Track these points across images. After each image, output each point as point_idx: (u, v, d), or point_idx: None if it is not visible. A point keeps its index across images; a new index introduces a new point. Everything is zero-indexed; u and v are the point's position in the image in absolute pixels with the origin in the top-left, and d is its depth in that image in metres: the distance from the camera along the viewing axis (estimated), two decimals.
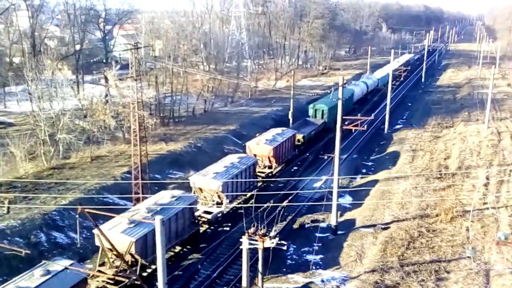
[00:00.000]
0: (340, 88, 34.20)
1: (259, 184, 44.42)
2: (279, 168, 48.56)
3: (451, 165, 47.43)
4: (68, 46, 73.52)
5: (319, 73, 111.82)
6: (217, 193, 37.14)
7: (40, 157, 45.04)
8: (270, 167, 46.68)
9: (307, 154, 54.16)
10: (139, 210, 30.52)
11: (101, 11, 76.79)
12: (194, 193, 37.60)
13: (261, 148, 46.30)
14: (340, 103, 33.85)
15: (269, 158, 46.34)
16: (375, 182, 45.21)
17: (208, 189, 37.27)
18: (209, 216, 35.12)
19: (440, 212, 35.99)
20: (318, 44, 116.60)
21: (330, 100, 59.88)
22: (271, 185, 45.02)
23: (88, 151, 47.47)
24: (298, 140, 53.44)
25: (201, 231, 35.24)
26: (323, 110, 61.03)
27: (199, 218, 35.04)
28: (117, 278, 25.82)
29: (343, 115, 33.15)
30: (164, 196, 33.20)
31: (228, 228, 36.53)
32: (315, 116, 61.05)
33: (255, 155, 45.62)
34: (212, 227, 36.49)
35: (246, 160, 42.10)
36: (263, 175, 45.17)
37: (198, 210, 35.49)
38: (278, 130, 51.57)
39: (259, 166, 45.80)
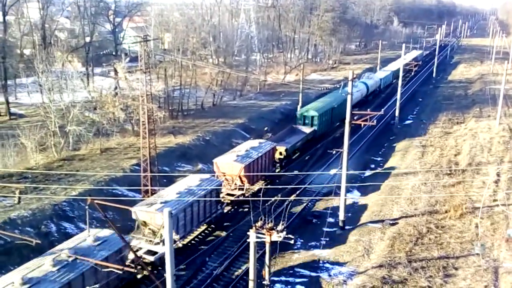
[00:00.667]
0: (350, 83, 34.04)
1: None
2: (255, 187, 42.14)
3: (461, 161, 47.14)
4: (78, 38, 73.76)
5: (329, 67, 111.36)
6: (239, 176, 38.25)
7: (50, 148, 45.33)
8: (241, 189, 39.19)
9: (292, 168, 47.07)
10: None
11: (111, 3, 76.84)
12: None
13: (231, 166, 39.15)
14: (349, 97, 33.68)
15: (240, 177, 39.04)
16: (383, 177, 45.04)
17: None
18: (152, 258, 29.26)
19: (449, 208, 35.82)
20: (328, 38, 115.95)
21: (322, 105, 57.27)
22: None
23: (98, 143, 47.71)
24: (280, 153, 46.42)
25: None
26: (313, 117, 55.00)
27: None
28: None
29: (338, 120, 33.37)
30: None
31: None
32: (304, 123, 55.13)
33: (224, 174, 39.26)
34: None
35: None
36: (232, 198, 38.67)
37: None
38: (255, 142, 44.39)
39: (228, 187, 38.94)
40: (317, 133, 55.06)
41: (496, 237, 31.73)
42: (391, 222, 34.82)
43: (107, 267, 23.45)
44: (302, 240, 34.19)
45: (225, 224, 36.59)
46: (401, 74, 69.81)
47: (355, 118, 35.71)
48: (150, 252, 29.50)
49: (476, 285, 26.54)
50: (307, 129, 53.59)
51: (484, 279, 27.03)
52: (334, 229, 35.58)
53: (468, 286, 26.63)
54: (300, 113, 56.03)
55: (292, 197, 39.37)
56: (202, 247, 32.97)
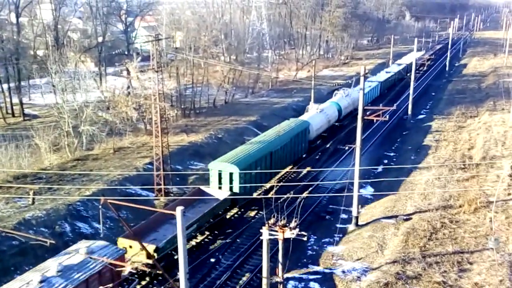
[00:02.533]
0: (362, 78, 33.87)
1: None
2: None
3: (475, 155, 46.68)
4: (91, 39, 74.42)
5: (340, 63, 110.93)
6: None
7: (64, 148, 45.81)
8: None
9: None
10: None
11: (122, 3, 77.45)
12: None
13: None
14: (361, 94, 33.51)
15: None
16: (397, 172, 44.77)
17: None
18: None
19: (463, 203, 35.50)
20: (339, 34, 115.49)
21: (248, 154, 38.18)
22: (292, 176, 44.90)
23: (111, 143, 48.06)
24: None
25: None
26: (231, 174, 35.76)
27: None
28: None
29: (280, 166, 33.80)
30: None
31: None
32: (220, 182, 36.42)
33: None
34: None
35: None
36: None
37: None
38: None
39: None
40: (238, 200, 36.47)
41: (511, 231, 31.38)
42: (404, 217, 34.61)
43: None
44: (315, 237, 34.14)
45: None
46: (413, 67, 69.12)
47: (368, 113, 35.52)
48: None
49: (491, 280, 26.30)
50: (220, 193, 35.57)
51: (499, 274, 26.77)
52: (347, 225, 35.48)
53: (483, 280, 26.39)
54: (214, 168, 36.49)
55: (305, 194, 39.33)
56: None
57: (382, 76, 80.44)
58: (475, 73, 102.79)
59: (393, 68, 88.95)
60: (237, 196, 36.09)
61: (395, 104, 51.05)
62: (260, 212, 37.15)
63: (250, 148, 39.70)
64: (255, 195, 39.22)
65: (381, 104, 53.55)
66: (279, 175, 43.97)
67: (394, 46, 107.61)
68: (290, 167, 46.09)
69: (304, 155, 48.41)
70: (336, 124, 57.92)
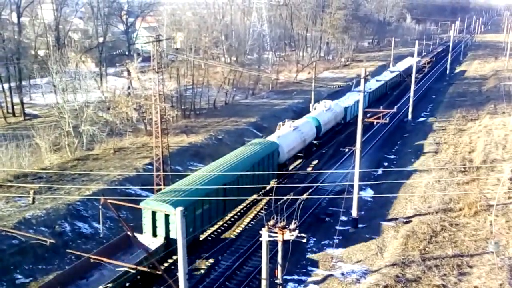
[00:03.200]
0: (362, 80, 33.88)
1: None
2: None
3: (475, 159, 46.66)
4: (92, 39, 74.48)
5: (341, 65, 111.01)
6: None
7: (64, 148, 45.82)
8: None
9: None
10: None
11: (123, 4, 77.53)
12: None
13: None
14: (361, 95, 33.50)
15: None
16: (397, 175, 44.77)
17: None
18: None
19: (463, 206, 35.45)
20: (340, 36, 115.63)
21: (192, 189, 30.86)
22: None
23: (111, 143, 48.08)
24: None
25: None
26: (167, 217, 28.81)
27: None
28: None
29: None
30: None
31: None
32: (154, 226, 29.49)
33: None
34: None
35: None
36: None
37: None
38: None
39: None
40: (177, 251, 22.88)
41: (511, 234, 31.34)
42: (404, 220, 34.59)
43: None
44: (314, 239, 34.12)
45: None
46: (414, 70, 68.98)
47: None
48: None
49: (491, 283, 26.26)
50: (154, 242, 29.04)
51: (499, 277, 26.72)
52: (347, 227, 35.45)
53: (483, 284, 26.35)
54: (146, 207, 29.49)
55: (305, 196, 39.31)
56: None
57: (373, 84, 71.72)
58: (476, 76, 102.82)
59: (385, 76, 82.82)
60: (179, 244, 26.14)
61: (395, 107, 50.74)
62: (260, 213, 37.15)
63: (197, 180, 32.39)
64: (203, 237, 33.10)
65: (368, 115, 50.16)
66: (238, 209, 37.29)
67: (395, 49, 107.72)
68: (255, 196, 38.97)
69: (274, 181, 42.04)
70: (315, 142, 51.83)
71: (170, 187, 32.15)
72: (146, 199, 30.73)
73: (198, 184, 31.87)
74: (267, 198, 38.58)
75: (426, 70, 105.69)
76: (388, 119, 39.14)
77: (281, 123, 47.83)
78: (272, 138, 43.55)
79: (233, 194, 33.83)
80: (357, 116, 56.23)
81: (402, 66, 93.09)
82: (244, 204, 38.29)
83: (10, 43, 60.29)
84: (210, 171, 34.22)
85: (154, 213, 29.20)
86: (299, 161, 49.06)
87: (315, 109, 55.62)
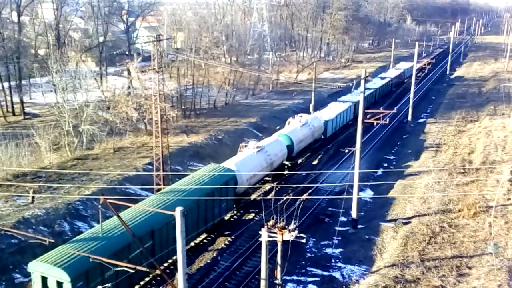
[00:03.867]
0: (363, 81, 33.91)
1: None
2: None
3: (475, 160, 46.70)
4: (92, 38, 74.46)
5: (341, 66, 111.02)
6: None
7: (64, 147, 45.82)
8: None
9: None
10: None
11: (124, 3, 77.46)
12: None
13: None
14: (362, 96, 33.52)
15: None
16: (396, 176, 44.80)
17: None
18: None
19: (463, 207, 35.49)
20: (341, 36, 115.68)
21: (98, 244, 23.83)
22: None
23: (111, 142, 48.07)
24: None
25: None
26: (60, 284, 22.24)
27: None
28: None
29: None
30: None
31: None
32: None
33: None
34: None
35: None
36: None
37: None
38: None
39: None
40: None
41: (510, 236, 31.35)
42: (404, 221, 34.62)
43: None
44: (314, 239, 34.14)
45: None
46: (414, 71, 68.83)
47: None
48: None
49: (490, 285, 26.27)
50: None
51: (498, 279, 26.73)
52: (347, 228, 35.47)
53: (482, 285, 26.36)
54: (34, 271, 23.17)
55: (304, 196, 39.32)
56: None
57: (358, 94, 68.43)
58: (475, 77, 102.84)
59: (375, 83, 76.93)
60: None
61: (395, 108, 50.71)
62: (258, 215, 37.15)
63: (110, 231, 25.14)
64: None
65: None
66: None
67: (395, 50, 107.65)
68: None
69: (231, 213, 36.90)
70: (286, 163, 45.45)
71: (64, 246, 23.91)
72: (35, 261, 23.18)
73: (108, 236, 24.61)
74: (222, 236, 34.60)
75: (426, 72, 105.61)
76: (388, 120, 39.06)
77: (242, 144, 42.24)
78: (229, 163, 37.11)
79: (165, 239, 27.24)
80: (339, 129, 56.73)
81: (393, 73, 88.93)
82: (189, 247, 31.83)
83: (10, 42, 60.26)
84: (135, 214, 27.16)
85: (44, 279, 22.64)
86: (268, 186, 42.45)
87: (288, 124, 49.80)
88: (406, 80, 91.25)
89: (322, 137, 53.18)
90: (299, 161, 48.96)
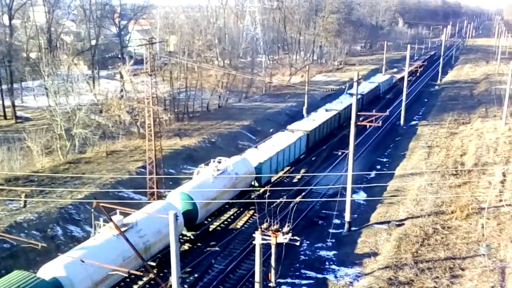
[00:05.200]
0: (355, 84, 34.01)
1: None
2: None
3: (467, 162, 46.94)
4: (84, 41, 74.12)
5: (334, 69, 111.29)
6: None
7: (56, 151, 45.55)
8: None
9: None
10: None
11: (116, 6, 77.28)
12: None
13: None
14: (354, 98, 33.62)
15: None
16: (389, 178, 44.92)
17: None
18: None
19: (455, 209, 35.66)
20: (333, 39, 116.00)
21: None
22: (285, 180, 45.01)
23: (104, 146, 47.88)
24: None
25: None
26: None
27: None
28: None
29: None
30: None
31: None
32: None
33: None
34: None
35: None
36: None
37: None
38: None
39: None
40: None
41: (502, 237, 31.55)
42: (397, 223, 34.71)
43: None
44: (308, 242, 34.14)
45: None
46: (406, 74, 68.90)
47: None
48: None
49: (483, 286, 26.41)
50: None
51: (490, 280, 26.88)
52: (340, 230, 35.51)
53: (475, 286, 26.49)
54: None
55: (298, 199, 39.32)
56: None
57: (317, 117, 55.42)
58: (467, 80, 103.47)
59: (341, 102, 64.76)
60: None
61: (388, 110, 50.79)
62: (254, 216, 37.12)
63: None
64: None
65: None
66: None
67: (387, 52, 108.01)
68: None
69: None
70: (188, 234, 33.28)
71: None
72: None
73: None
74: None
75: (417, 75, 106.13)
76: (380, 122, 39.12)
77: (202, 165, 36.95)
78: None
79: None
80: (293, 163, 46.75)
81: (366, 87, 73.42)
82: None
83: (1, 46, 59.88)
84: None
85: None
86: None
87: (198, 174, 36.65)
88: (382, 95, 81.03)
89: (257, 184, 40.50)
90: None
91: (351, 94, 61.94)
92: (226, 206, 37.35)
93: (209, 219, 35.28)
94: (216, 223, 36.30)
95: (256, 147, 45.58)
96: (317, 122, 53.40)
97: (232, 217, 37.79)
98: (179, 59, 65.84)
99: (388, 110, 51.69)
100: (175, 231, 19.21)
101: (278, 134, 49.07)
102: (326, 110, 59.05)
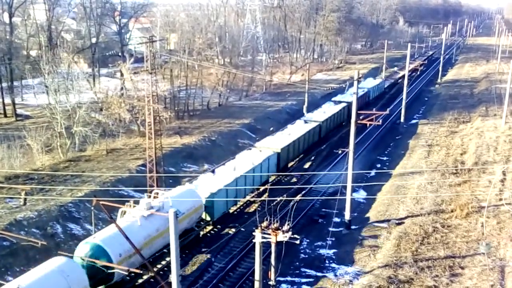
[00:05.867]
0: (355, 83, 33.98)
1: None
2: None
3: (467, 161, 46.94)
4: (84, 39, 74.08)
5: (334, 67, 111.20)
6: None
7: (56, 149, 45.54)
8: None
9: None
10: None
11: (117, 4, 77.20)
12: None
13: None
14: (354, 97, 33.61)
15: None
16: (389, 177, 44.94)
17: None
18: None
19: (455, 207, 35.67)
20: (333, 38, 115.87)
21: None
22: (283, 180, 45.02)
23: (104, 144, 47.86)
24: None
25: None
26: None
27: None
28: None
29: None
30: None
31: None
32: None
33: None
34: None
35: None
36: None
37: None
38: None
39: None
40: None
41: (502, 236, 31.56)
42: (397, 221, 34.72)
43: None
44: (308, 240, 34.16)
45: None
46: (407, 73, 68.74)
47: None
48: None
49: (482, 284, 26.41)
50: None
51: (490, 278, 26.89)
52: (340, 228, 35.51)
53: (474, 285, 26.50)
54: None
55: (298, 197, 39.34)
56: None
57: (293, 131, 48.54)
58: (467, 78, 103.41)
59: (324, 112, 57.10)
60: None
61: (387, 109, 50.79)
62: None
63: None
64: None
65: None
66: None
67: (388, 51, 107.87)
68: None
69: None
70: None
71: None
72: None
73: None
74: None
75: (418, 73, 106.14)
76: (381, 121, 39.10)
77: (130, 203, 29.09)
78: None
79: None
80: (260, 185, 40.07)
81: (348, 97, 62.03)
82: None
83: (1, 43, 59.81)
84: None
85: None
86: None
87: (123, 214, 29.25)
88: (372, 102, 72.20)
89: (202, 222, 34.07)
90: None
91: (336, 102, 60.83)
92: (165, 250, 28.31)
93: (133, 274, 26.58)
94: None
95: (212, 171, 39.11)
96: (292, 137, 46.40)
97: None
98: (179, 57, 65.78)
99: (388, 109, 51.64)
100: (175, 230, 19.20)
101: (243, 154, 42.39)
102: (305, 122, 52.16)
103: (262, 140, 45.40)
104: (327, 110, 56.24)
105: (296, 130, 48.27)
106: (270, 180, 43.14)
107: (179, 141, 51.13)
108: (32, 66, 61.75)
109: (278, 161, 43.45)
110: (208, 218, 34.36)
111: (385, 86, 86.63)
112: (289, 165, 47.79)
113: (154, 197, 30.62)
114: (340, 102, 61.02)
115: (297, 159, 49.41)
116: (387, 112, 45.84)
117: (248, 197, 39.59)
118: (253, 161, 39.64)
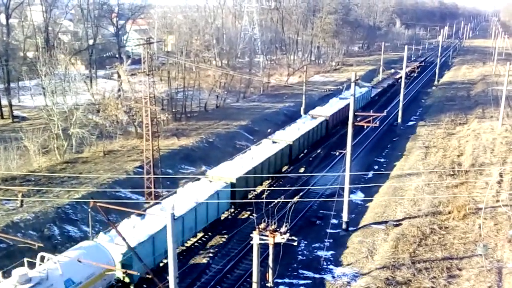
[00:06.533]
0: (353, 84, 34.01)
1: None
2: None
3: (464, 162, 47.03)
4: (82, 41, 74.01)
5: (331, 69, 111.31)
6: None
7: (53, 151, 45.44)
8: None
9: None
10: None
11: (114, 6, 77.13)
12: None
13: None
14: (352, 99, 33.64)
15: None
16: (387, 178, 44.97)
17: None
18: None
19: (452, 209, 35.72)
20: (331, 40, 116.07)
21: None
22: (281, 181, 45.03)
23: (101, 146, 47.78)
24: None
25: None
26: None
27: None
28: None
29: None
30: None
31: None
32: None
33: None
34: None
35: None
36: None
37: None
38: None
39: None
40: None
41: (499, 237, 31.62)
42: (394, 223, 34.75)
43: None
44: (306, 242, 34.15)
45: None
46: (403, 75, 68.86)
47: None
48: None
49: (480, 286, 26.45)
50: None
51: (487, 280, 26.93)
52: (338, 230, 35.51)
53: (472, 287, 26.54)
54: None
55: (295, 199, 39.33)
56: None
57: (258, 153, 42.28)
58: (464, 80, 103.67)
59: (291, 132, 49.58)
60: None
61: (385, 110, 50.78)
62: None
63: None
64: None
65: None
66: None
67: (385, 53, 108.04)
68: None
69: None
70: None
71: None
72: None
73: None
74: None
75: (415, 75, 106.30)
76: (378, 123, 39.13)
77: None
78: None
79: None
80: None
81: (335, 106, 60.89)
82: None
83: None
84: None
85: None
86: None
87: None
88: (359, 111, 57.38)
89: (127, 280, 26.62)
90: None
91: (314, 117, 55.54)
92: None
93: None
94: None
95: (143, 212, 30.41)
96: (254, 162, 39.34)
97: None
98: (177, 59, 65.76)
99: (385, 111, 51.54)
100: (173, 233, 19.16)
101: (189, 186, 35.42)
102: (273, 142, 45.53)
103: (215, 168, 38.99)
104: (302, 126, 51.80)
105: (260, 153, 42.47)
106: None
107: (176, 143, 51.08)
108: (29, 68, 61.63)
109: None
110: (127, 280, 26.39)
111: (371, 95, 75.30)
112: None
113: (40, 262, 22.60)
114: (317, 117, 56.24)
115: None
116: (384, 113, 45.85)
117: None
118: (201, 195, 33.00)
